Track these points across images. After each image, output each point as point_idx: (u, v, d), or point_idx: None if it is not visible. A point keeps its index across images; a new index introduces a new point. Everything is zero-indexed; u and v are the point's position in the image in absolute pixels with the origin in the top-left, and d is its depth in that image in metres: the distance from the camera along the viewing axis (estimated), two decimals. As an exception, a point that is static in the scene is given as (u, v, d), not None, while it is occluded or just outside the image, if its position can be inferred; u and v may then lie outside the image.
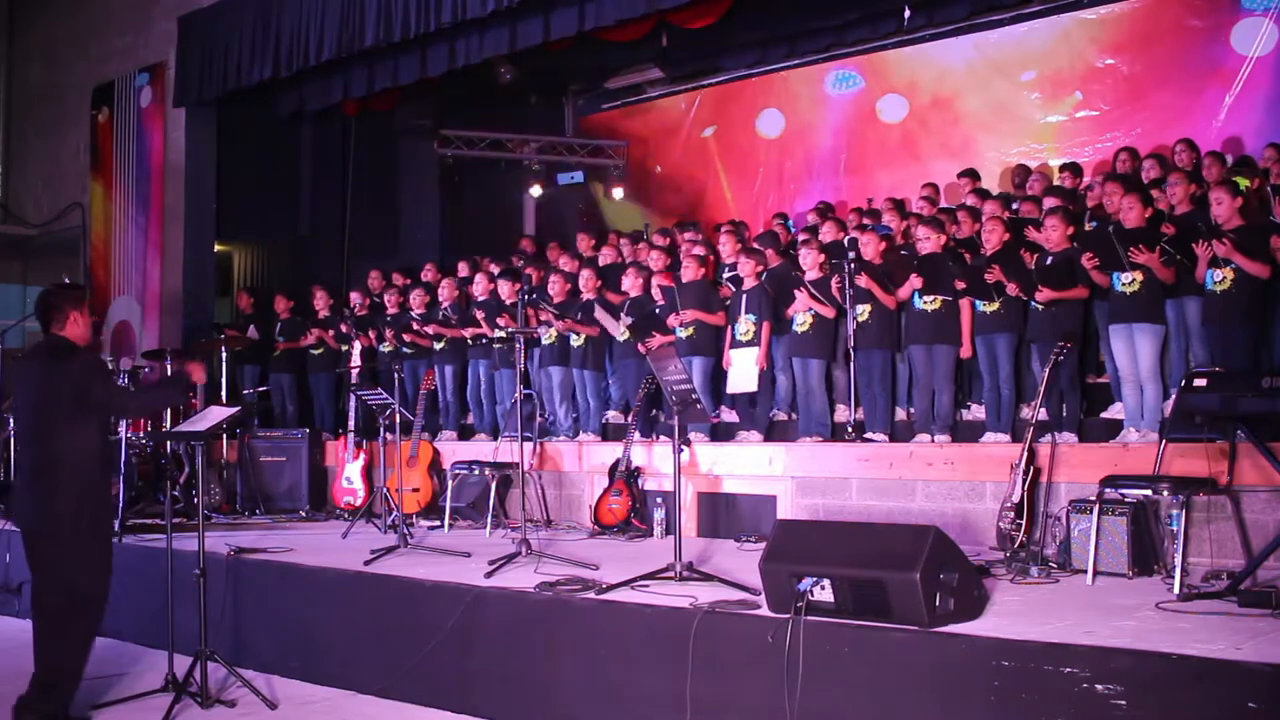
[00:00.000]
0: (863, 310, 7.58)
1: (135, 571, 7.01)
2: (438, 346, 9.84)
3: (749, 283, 8.18)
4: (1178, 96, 10.71)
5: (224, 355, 10.04)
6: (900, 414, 7.83)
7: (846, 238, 8.95)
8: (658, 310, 8.56)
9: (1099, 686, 3.66)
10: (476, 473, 8.39)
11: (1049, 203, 7.99)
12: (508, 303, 9.12)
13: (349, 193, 13.26)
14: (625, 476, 7.82)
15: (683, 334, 8.34)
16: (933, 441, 7.21)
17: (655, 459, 7.93)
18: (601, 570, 5.72)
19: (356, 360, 9.72)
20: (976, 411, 7.67)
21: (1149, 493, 5.41)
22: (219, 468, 9.96)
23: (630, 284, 8.89)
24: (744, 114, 13.75)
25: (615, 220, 14.06)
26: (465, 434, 9.91)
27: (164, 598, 5.66)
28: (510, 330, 8.69)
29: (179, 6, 11.90)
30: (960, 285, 7.17)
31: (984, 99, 11.97)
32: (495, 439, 9.29)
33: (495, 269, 10.28)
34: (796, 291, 7.84)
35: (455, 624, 5.31)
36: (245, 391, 10.63)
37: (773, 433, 8.19)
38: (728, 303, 8.43)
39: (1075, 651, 3.78)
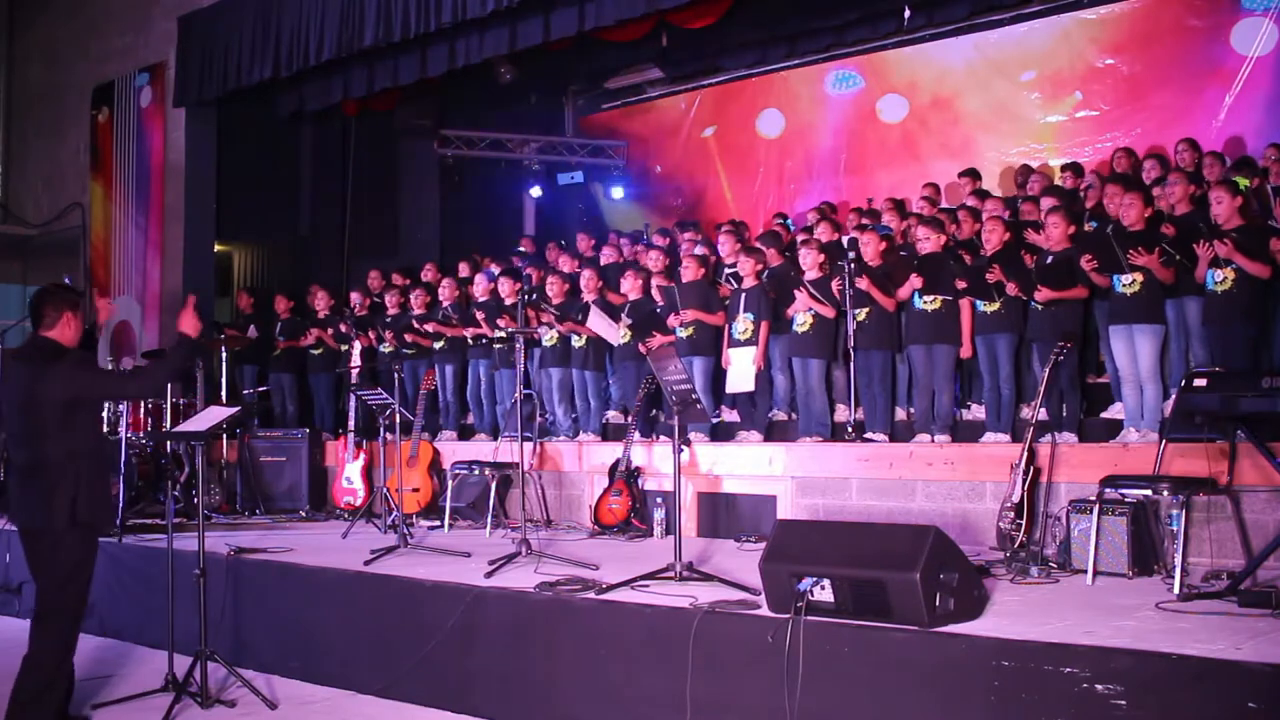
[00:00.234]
0: (862, 310, 7.58)
1: (135, 571, 7.03)
2: (438, 346, 9.85)
3: (748, 282, 8.18)
4: (1178, 96, 10.72)
5: (224, 355, 10.05)
6: (900, 414, 7.83)
7: (846, 238, 8.95)
8: (658, 310, 8.57)
9: (1099, 686, 3.66)
10: (476, 473, 8.39)
11: (1047, 203, 7.99)
12: (508, 303, 9.12)
13: (349, 193, 13.26)
14: (625, 476, 7.82)
15: (683, 334, 8.34)
16: (933, 441, 7.21)
17: (655, 459, 7.93)
18: (601, 570, 5.72)
19: (356, 360, 9.72)
20: (976, 411, 7.67)
21: (1149, 493, 5.41)
22: (219, 468, 9.96)
23: (630, 285, 8.90)
24: (744, 114, 13.77)
25: (615, 220, 14.07)
26: (465, 434, 9.91)
27: (164, 598, 5.66)
28: (510, 330, 8.70)
29: (179, 6, 11.90)
30: (961, 285, 7.17)
31: (984, 99, 11.98)
32: (495, 439, 9.29)
33: (496, 269, 10.29)
34: (796, 291, 7.83)
35: (455, 624, 5.31)
36: (245, 391, 10.63)
37: (773, 433, 8.19)
38: (727, 302, 8.43)
39: (1075, 651, 3.78)
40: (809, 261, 8.02)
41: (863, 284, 7.48)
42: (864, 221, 9.41)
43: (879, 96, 12.72)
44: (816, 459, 7.36)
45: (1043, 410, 6.45)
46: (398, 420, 7.60)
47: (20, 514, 4.91)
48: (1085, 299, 7.01)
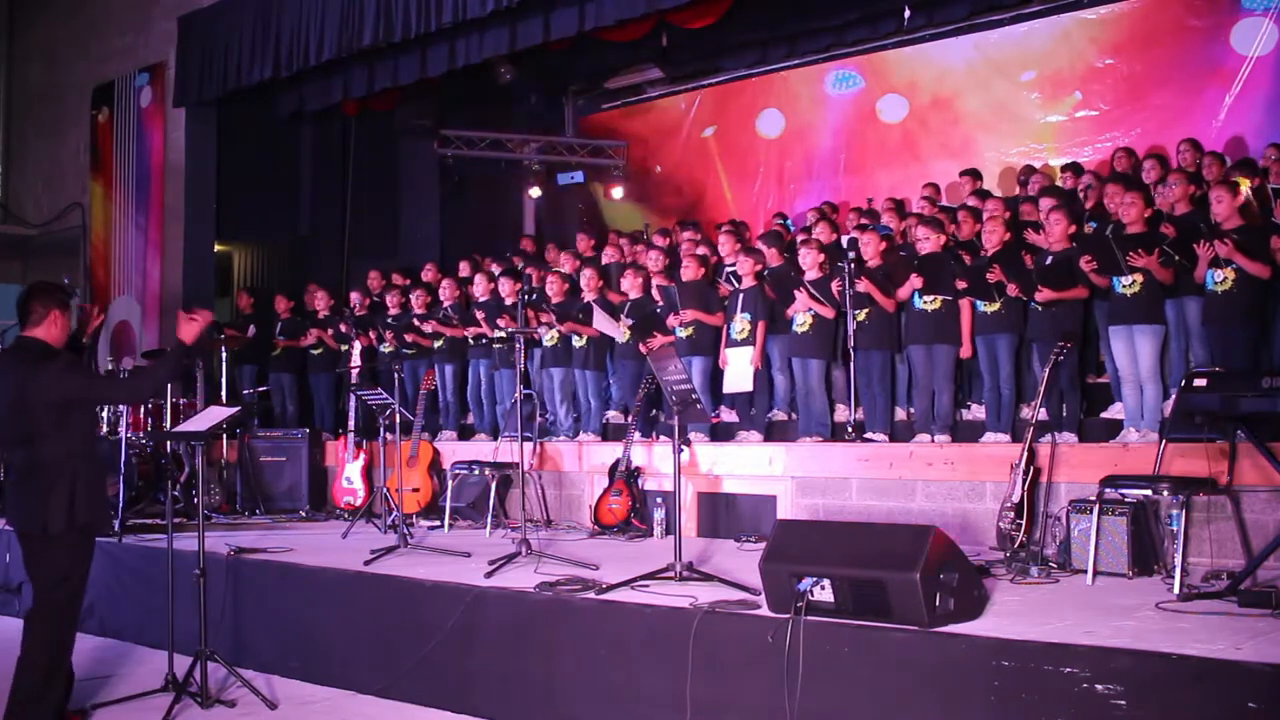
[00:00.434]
0: (862, 310, 7.58)
1: (135, 571, 7.03)
2: (437, 346, 9.85)
3: (747, 282, 8.18)
4: (1178, 96, 10.71)
5: (224, 355, 10.04)
6: (900, 414, 7.83)
7: (846, 238, 8.95)
8: (658, 310, 8.57)
9: (1099, 686, 3.66)
10: (476, 473, 8.39)
11: (1047, 203, 7.99)
12: (508, 303, 9.12)
13: (349, 193, 13.25)
14: (625, 476, 7.82)
15: (682, 334, 8.34)
16: (933, 441, 7.21)
17: (655, 459, 7.93)
18: (601, 570, 5.72)
19: (356, 360, 9.72)
20: (976, 411, 7.67)
21: (1149, 493, 5.41)
22: (219, 468, 9.96)
23: (630, 285, 8.90)
24: (744, 114, 13.75)
25: (615, 220, 14.06)
26: (465, 434, 9.91)
27: (164, 598, 5.66)
28: (510, 330, 8.69)
29: (179, 6, 11.90)
30: (961, 285, 7.17)
31: (984, 99, 11.97)
32: (495, 439, 9.28)
33: (496, 269, 10.28)
34: (796, 291, 7.83)
35: (455, 624, 5.31)
36: (245, 391, 10.63)
37: (772, 433, 8.19)
38: (726, 302, 8.43)
39: (1075, 651, 3.78)
40: (809, 262, 8.02)
41: (862, 286, 7.48)
42: (864, 221, 9.41)
43: (879, 96, 12.71)
44: (816, 459, 7.36)
45: (1043, 410, 6.45)
46: (398, 420, 7.60)
47: (17, 517, 4.89)
48: (1085, 299, 7.01)
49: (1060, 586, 5.28)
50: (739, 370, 8.03)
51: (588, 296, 8.97)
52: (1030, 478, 6.14)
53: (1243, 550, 5.46)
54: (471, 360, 9.77)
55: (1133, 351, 6.62)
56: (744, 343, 8.05)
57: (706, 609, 4.61)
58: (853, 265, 7.57)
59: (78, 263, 13.40)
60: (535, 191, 14.38)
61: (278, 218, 13.00)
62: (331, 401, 10.73)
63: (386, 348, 10.02)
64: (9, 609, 7.61)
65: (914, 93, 12.45)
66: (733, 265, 8.58)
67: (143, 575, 6.94)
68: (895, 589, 4.16)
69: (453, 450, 9.38)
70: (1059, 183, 9.60)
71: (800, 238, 9.07)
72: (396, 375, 7.69)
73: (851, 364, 7.61)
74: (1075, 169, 9.73)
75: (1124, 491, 5.48)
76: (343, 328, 10.23)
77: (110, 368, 10.76)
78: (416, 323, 9.86)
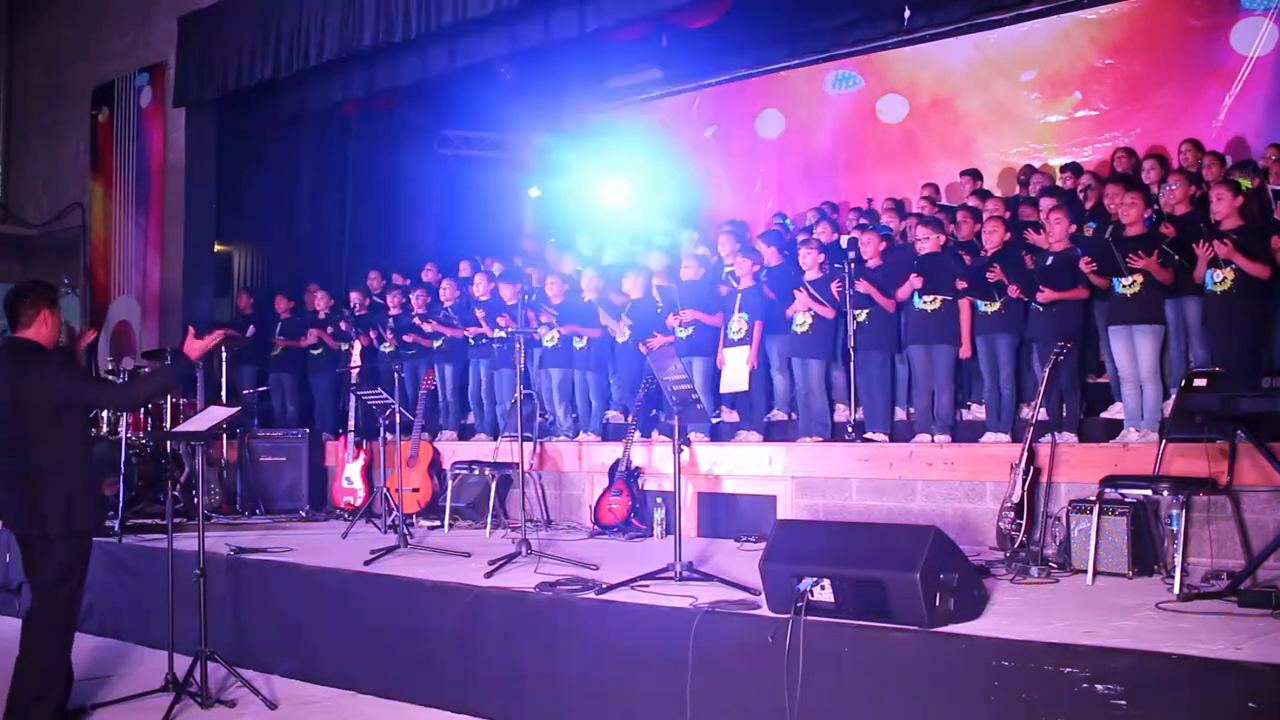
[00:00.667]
0: (862, 310, 7.58)
1: (135, 571, 7.03)
2: (437, 346, 9.85)
3: (745, 282, 8.18)
4: (1178, 96, 10.70)
5: (223, 355, 10.04)
6: (900, 414, 7.83)
7: (846, 238, 8.94)
8: (658, 311, 8.56)
9: (1099, 686, 3.66)
10: (476, 473, 8.39)
11: (1047, 203, 7.99)
12: (508, 303, 9.12)
13: (349, 192, 13.25)
14: (625, 476, 7.82)
15: (682, 334, 8.34)
16: (933, 441, 7.21)
17: (655, 459, 7.93)
18: (601, 570, 5.72)
19: (356, 360, 9.71)
20: (976, 411, 7.67)
21: (1149, 493, 5.42)
22: (219, 468, 9.95)
23: (630, 285, 8.89)
24: (744, 114, 13.74)
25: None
26: (465, 434, 9.91)
27: (164, 598, 5.66)
28: (510, 330, 8.69)
29: (179, 6, 11.89)
30: (961, 285, 7.17)
31: (984, 99, 11.96)
32: (495, 439, 9.29)
33: (496, 269, 10.28)
34: (796, 292, 7.83)
35: (455, 624, 5.31)
36: (245, 391, 10.63)
37: (772, 433, 8.19)
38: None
39: (1075, 651, 3.78)
40: (809, 262, 8.02)
41: (861, 287, 7.48)
42: (863, 221, 9.41)
43: (879, 96, 12.69)
44: (816, 459, 7.36)
45: (1043, 410, 6.46)
46: (398, 420, 7.60)
47: (14, 520, 4.88)
48: (1085, 299, 7.01)
49: (1060, 586, 5.28)
50: (736, 370, 8.03)
51: (588, 296, 8.97)
52: (1030, 478, 6.14)
53: (1243, 550, 5.47)
54: (471, 360, 9.77)
55: (1133, 351, 6.62)
56: (741, 343, 8.05)
57: (706, 609, 4.61)
58: (852, 266, 7.57)
59: (78, 263, 13.39)
60: (535, 191, 14.37)
61: (278, 218, 12.98)
62: (331, 401, 10.72)
63: (386, 348, 10.01)
64: (9, 609, 7.61)
65: (914, 93, 12.44)
66: (732, 265, 8.59)
67: (143, 575, 6.94)
68: (895, 589, 4.16)
69: (453, 450, 9.38)
70: (1059, 183, 9.60)
71: (801, 238, 9.07)
72: (396, 375, 7.69)
73: (851, 364, 7.61)
74: (1075, 169, 9.73)
75: (1124, 491, 5.48)
76: (343, 327, 10.23)
77: (110, 368, 10.75)
78: (417, 322, 9.87)
